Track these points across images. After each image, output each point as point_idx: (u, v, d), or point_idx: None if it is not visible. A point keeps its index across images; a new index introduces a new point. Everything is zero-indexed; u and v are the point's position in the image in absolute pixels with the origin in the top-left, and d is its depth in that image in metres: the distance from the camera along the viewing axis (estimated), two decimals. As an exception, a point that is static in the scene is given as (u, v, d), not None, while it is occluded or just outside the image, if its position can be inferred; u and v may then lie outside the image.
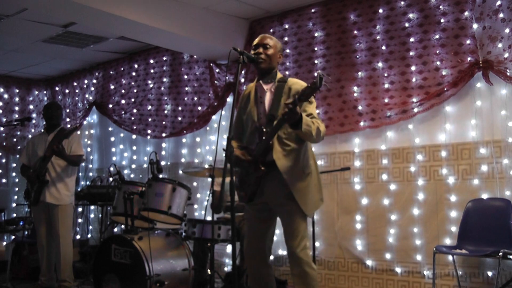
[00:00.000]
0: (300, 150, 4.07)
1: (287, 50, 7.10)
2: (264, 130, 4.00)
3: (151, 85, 8.79)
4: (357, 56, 6.54)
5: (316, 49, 6.88)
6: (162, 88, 8.63)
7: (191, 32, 6.97)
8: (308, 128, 3.82)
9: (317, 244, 6.55)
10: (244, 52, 3.96)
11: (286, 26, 7.18)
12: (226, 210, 6.04)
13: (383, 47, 6.34)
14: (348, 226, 6.52)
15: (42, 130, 6.85)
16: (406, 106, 6.09)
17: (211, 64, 7.86)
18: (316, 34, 6.91)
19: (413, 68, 6.10)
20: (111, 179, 8.19)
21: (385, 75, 6.30)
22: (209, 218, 7.53)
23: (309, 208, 4.06)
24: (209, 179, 7.30)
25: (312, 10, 6.95)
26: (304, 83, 4.11)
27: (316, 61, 6.87)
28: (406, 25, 6.18)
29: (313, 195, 4.10)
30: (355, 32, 6.57)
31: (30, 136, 10.61)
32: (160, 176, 5.71)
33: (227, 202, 5.83)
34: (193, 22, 6.99)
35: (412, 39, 6.13)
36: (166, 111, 8.54)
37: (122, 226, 8.18)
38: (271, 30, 7.27)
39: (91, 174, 9.89)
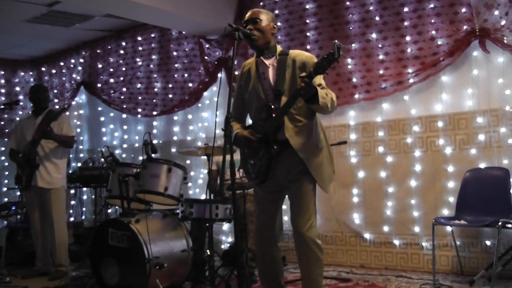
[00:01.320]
0: (312, 125, 3.92)
1: (278, 23, 6.96)
2: (273, 106, 3.86)
3: (140, 63, 8.64)
4: (350, 28, 6.43)
5: (308, 21, 6.76)
6: (151, 66, 8.49)
7: (179, 7, 6.79)
8: (324, 101, 3.66)
9: (314, 219, 6.48)
10: (240, 28, 3.80)
11: (277, -1, 7.04)
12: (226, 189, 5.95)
13: (377, 18, 6.23)
14: (345, 200, 6.47)
15: (30, 113, 6.72)
16: (402, 77, 6.01)
17: (201, 40, 7.71)
18: (307, 6, 6.77)
19: (408, 38, 6.01)
20: (102, 160, 8.11)
21: (380, 46, 6.21)
22: (203, 196, 7.51)
23: (325, 183, 3.95)
24: (204, 157, 7.21)
25: (303, -19, 6.82)
26: (308, 53, 3.98)
27: (308, 34, 6.75)
28: (400, -6, 6.07)
29: (326, 169, 3.98)
30: (348, 3, 6.45)
31: (17, 118, 10.43)
32: (154, 156, 5.59)
33: (227, 181, 5.77)
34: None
35: (406, 9, 6.03)
36: (156, 89, 8.41)
37: (117, 208, 8.14)
38: (261, 4, 7.12)
39: (81, 155, 9.76)
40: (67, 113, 6.64)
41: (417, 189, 5.98)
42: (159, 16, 6.99)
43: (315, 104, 3.64)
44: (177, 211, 6.01)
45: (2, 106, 6.49)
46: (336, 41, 3.36)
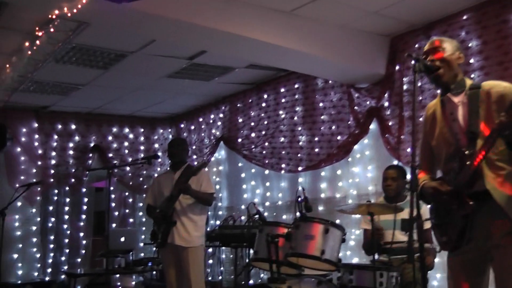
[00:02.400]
0: None
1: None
2: (466, 152, 3.13)
3: (283, 116, 8.18)
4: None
5: (472, 61, 5.93)
6: (295, 118, 7.99)
7: (327, 52, 6.33)
8: None
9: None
10: (420, 58, 3.19)
11: (435, 39, 6.33)
12: (383, 251, 5.25)
13: (559, 52, 5.35)
14: None
15: (168, 168, 6.43)
16: None
17: (349, 89, 7.15)
18: (470, 44, 5.98)
19: None
20: (243, 217, 7.66)
21: None
22: (355, 260, 6.80)
23: None
24: (356, 216, 6.56)
25: (464, 17, 6.03)
26: (507, 83, 3.25)
27: (472, 75, 5.92)
28: None
29: None
30: (521, 36, 5.62)
31: (156, 175, 10.38)
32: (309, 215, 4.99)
33: (387, 243, 5.08)
34: (329, 42, 6.36)
35: None
36: (300, 143, 7.87)
37: (258, 269, 7.60)
38: (416, 46, 6.44)
39: (220, 212, 9.43)
40: (206, 169, 6.25)
41: None
42: (305, 62, 6.56)
43: None
44: (330, 276, 5.36)
45: (142, 161, 6.26)
46: None
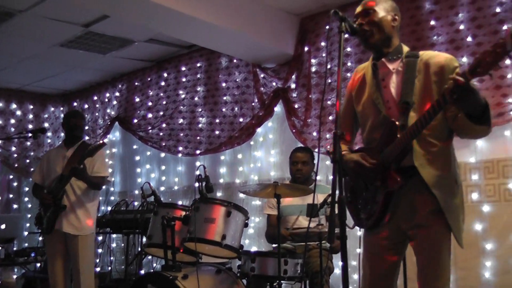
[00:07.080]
0: (449, 150, 2.95)
1: (348, 49, 5.99)
2: (397, 123, 2.86)
3: (183, 96, 7.71)
4: (437, 51, 5.43)
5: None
6: (196, 99, 7.54)
7: (235, 25, 5.90)
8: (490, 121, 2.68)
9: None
10: (347, 19, 2.85)
11: (347, 21, 6.09)
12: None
13: (469, 39, 5.22)
14: (432, 258, 5.36)
15: (60, 143, 5.82)
16: (501, 108, 4.95)
17: (255, 69, 6.79)
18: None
19: (508, 62, 4.94)
20: (136, 203, 7.15)
21: (473, 72, 5.17)
22: (253, 248, 6.47)
23: (461, 234, 2.86)
24: (256, 203, 6.19)
25: None
26: (446, 54, 3.00)
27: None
28: (498, 10, 5.05)
29: (462, 215, 2.92)
30: (432, 22, 5.47)
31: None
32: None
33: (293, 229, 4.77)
34: (238, 15, 5.95)
35: (505, 27, 4.98)
36: (200, 125, 7.44)
37: (151, 258, 7.11)
38: (327, 27, 6.20)
39: (112, 198, 8.85)
40: (106, 150, 5.58)
41: (524, 246, 4.87)
42: (212, 35, 6.10)
43: (482, 126, 2.67)
44: (229, 265, 4.99)
45: (27, 134, 5.61)
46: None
